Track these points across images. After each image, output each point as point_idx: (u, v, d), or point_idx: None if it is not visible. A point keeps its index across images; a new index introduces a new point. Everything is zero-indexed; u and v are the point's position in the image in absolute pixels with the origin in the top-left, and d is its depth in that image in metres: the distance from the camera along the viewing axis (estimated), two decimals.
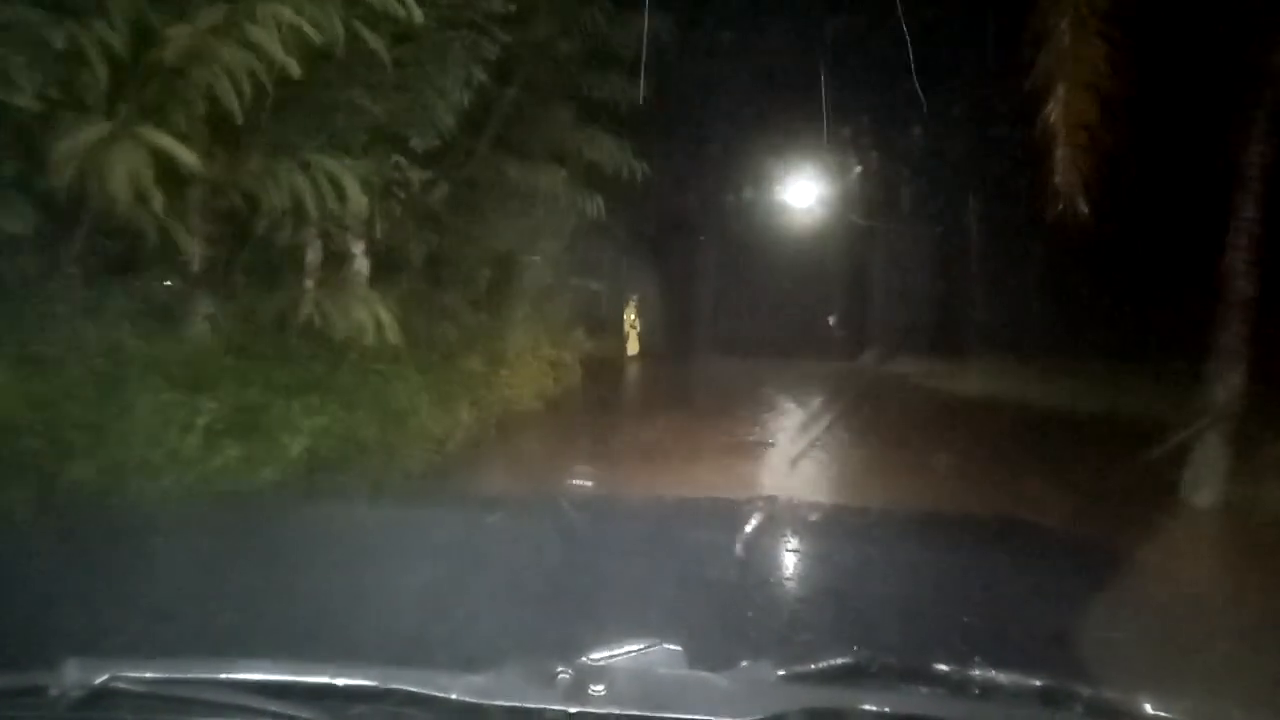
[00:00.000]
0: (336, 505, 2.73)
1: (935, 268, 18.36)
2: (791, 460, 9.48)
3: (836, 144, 17.39)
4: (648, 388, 18.03)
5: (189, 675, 1.08)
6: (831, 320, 20.98)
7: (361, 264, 8.31)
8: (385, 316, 6.65)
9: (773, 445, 10.23)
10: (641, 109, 12.58)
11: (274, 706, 1.02)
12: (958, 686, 1.11)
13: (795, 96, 14.84)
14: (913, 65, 16.25)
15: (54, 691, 1.04)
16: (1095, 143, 7.89)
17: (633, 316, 20.63)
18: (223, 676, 1.07)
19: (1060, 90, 7.99)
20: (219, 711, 1.04)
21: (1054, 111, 8.04)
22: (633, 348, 20.47)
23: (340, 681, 1.06)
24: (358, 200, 6.14)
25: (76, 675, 1.05)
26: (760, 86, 16.66)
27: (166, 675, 1.08)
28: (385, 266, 9.07)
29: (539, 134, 10.68)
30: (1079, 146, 7.93)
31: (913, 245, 18.57)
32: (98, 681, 1.04)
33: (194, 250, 6.82)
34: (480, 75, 8.10)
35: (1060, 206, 8.02)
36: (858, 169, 18.70)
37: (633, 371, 19.45)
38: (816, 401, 13.06)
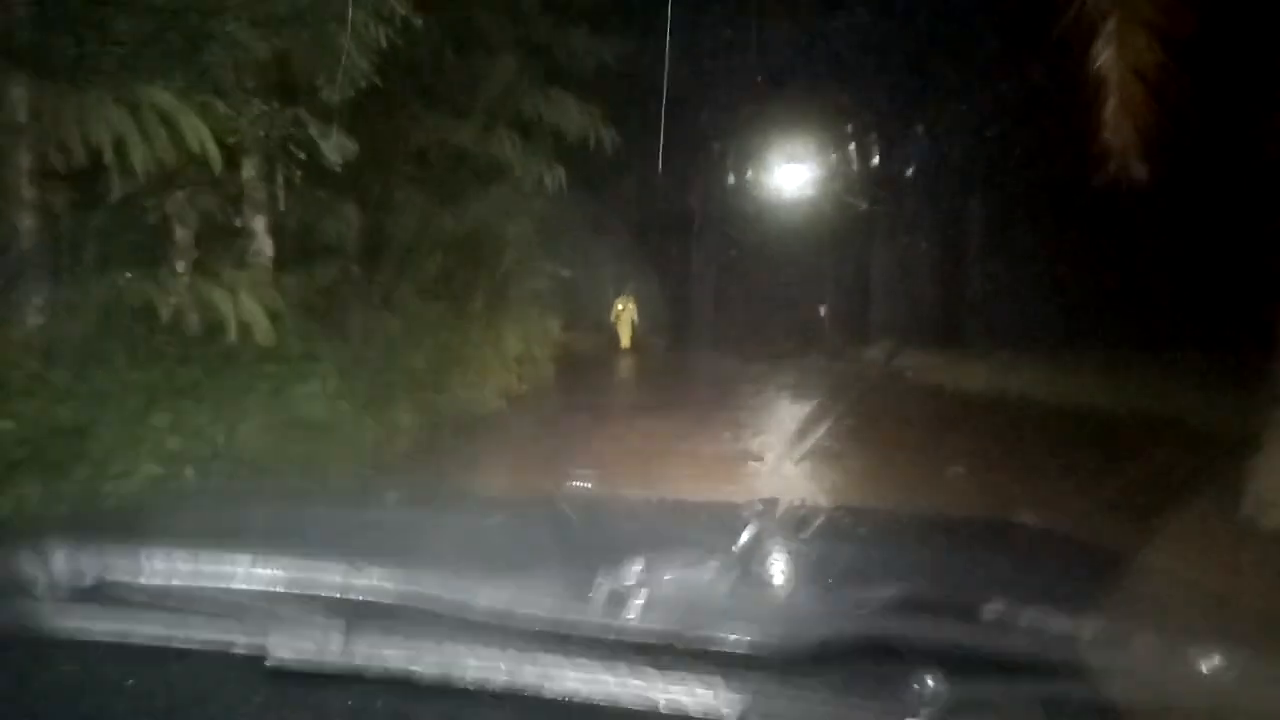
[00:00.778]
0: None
1: (947, 252, 16.70)
2: (797, 477, 7.82)
3: (839, 118, 15.70)
4: (630, 386, 16.21)
5: (186, 569, 1.01)
6: (822, 310, 19.19)
7: (263, 243, 6.57)
8: (253, 307, 4.94)
9: (770, 461, 8.43)
10: (627, 78, 10.94)
11: (280, 608, 0.96)
12: (1003, 626, 1.07)
13: (793, 62, 13.13)
14: (918, 25, 14.63)
15: (43, 584, 1.00)
16: (1158, 92, 6.19)
17: (621, 307, 18.82)
18: (224, 569, 1.00)
19: (1113, 29, 6.28)
20: (217, 610, 0.98)
21: (1105, 55, 6.32)
22: (625, 341, 18.62)
23: (355, 581, 0.98)
24: (207, 149, 4.42)
25: (67, 568, 1.01)
26: (755, 53, 14.92)
27: (163, 567, 1.02)
28: (301, 247, 7.34)
29: (492, 94, 8.85)
30: (1135, 97, 6.23)
31: (921, 228, 16.96)
32: (90, 578, 1.00)
33: (20, 221, 5.11)
34: (403, 11, 6.34)
35: (1111, 169, 6.31)
36: (861, 145, 16.98)
37: (617, 368, 17.56)
38: (823, 404, 11.33)
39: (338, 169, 6.23)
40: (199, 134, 4.37)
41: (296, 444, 6.41)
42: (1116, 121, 6.26)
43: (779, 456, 8.39)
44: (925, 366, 14.86)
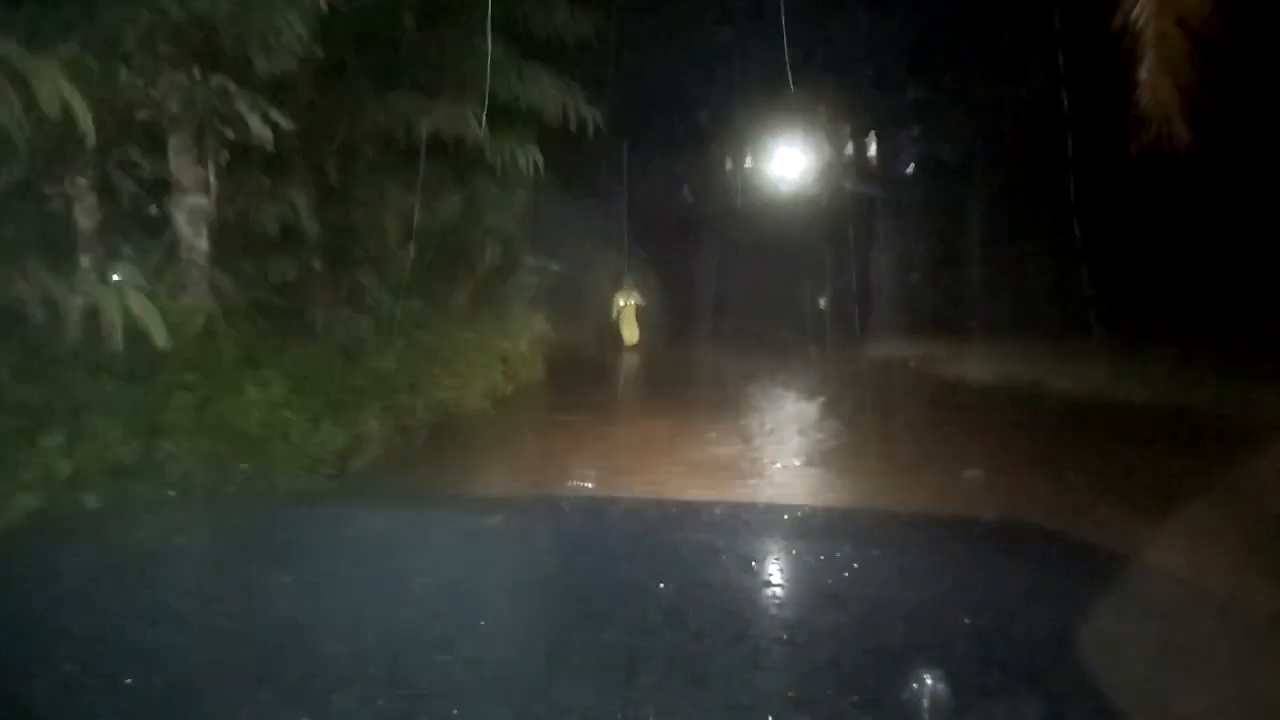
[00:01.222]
0: None
1: (951, 245, 15.75)
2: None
3: (841, 98, 14.70)
4: (625, 384, 15.23)
5: None
6: (823, 303, 18.14)
7: (197, 235, 5.63)
8: (146, 308, 4.01)
9: (781, 466, 7.42)
10: (620, 64, 10.04)
11: None
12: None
13: (789, 43, 12.09)
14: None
15: None
16: (1202, 47, 5.21)
17: (624, 303, 17.72)
18: None
19: None
20: None
21: (1142, 9, 5.35)
22: (630, 337, 17.48)
23: None
24: (76, 116, 3.48)
25: None
26: (750, 37, 13.92)
27: None
28: (248, 240, 6.41)
29: (462, 72, 7.82)
30: (1177, 53, 5.26)
31: (924, 219, 15.99)
32: None
33: None
34: None
35: (1150, 135, 5.34)
36: (864, 128, 15.97)
37: (614, 366, 16.51)
38: (836, 403, 10.35)
39: (272, 149, 5.29)
40: (61, 97, 3.44)
41: (235, 458, 5.52)
42: (1156, 81, 5.31)
43: (790, 465, 7.40)
44: (927, 358, 13.97)
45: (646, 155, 16.65)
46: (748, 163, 17.35)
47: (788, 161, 17.05)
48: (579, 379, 13.08)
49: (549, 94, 8.17)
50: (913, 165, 17.13)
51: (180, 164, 5.34)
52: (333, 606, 1.27)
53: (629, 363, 16.79)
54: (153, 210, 5.14)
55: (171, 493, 4.99)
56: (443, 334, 9.28)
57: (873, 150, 16.76)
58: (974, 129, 15.19)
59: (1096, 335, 11.89)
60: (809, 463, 7.35)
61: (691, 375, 13.80)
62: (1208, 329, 10.11)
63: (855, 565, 1.64)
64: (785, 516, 2.15)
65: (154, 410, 4.86)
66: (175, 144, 5.27)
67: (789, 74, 13.66)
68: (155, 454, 4.83)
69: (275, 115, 5.25)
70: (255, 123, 5.03)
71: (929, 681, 0.98)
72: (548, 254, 12.50)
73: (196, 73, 5.03)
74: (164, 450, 4.89)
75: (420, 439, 8.18)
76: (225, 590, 1.40)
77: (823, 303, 18.21)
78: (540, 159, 8.37)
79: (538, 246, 11.98)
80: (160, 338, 4.23)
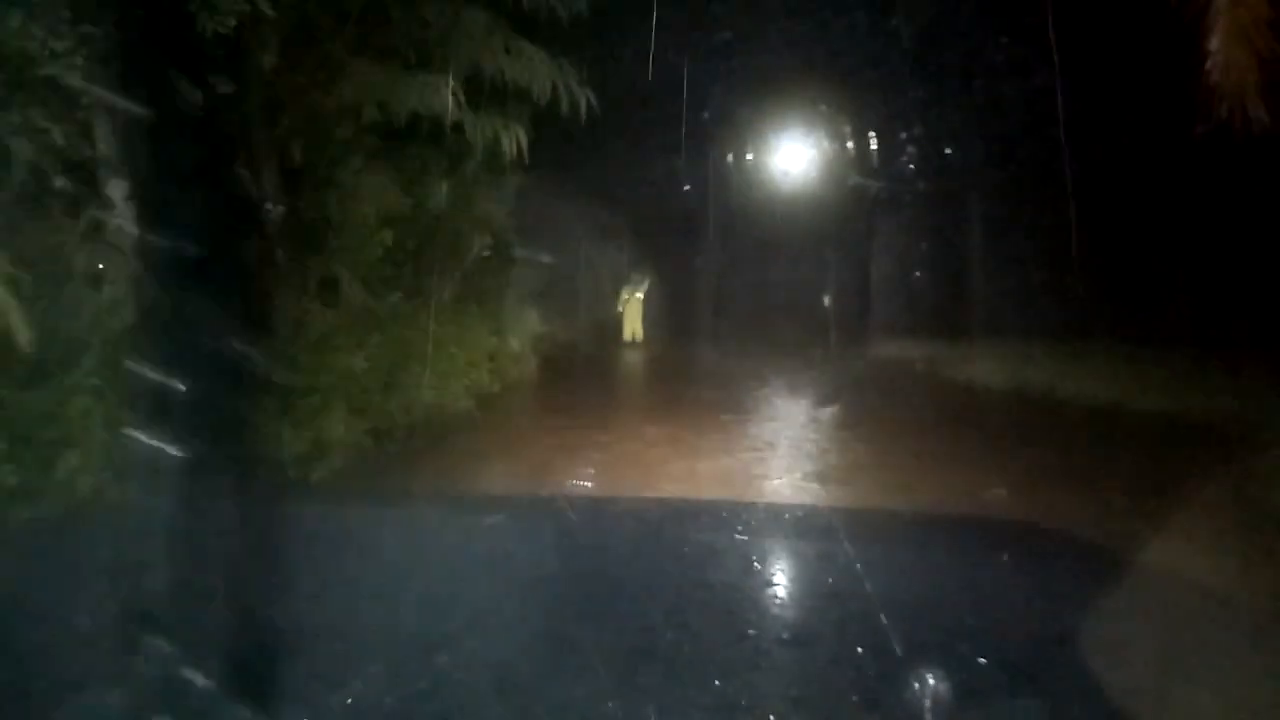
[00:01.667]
0: None
1: (956, 244, 14.93)
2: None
3: (842, 92, 13.85)
4: (619, 383, 14.36)
5: None
6: (826, 300, 17.29)
7: (123, 214, 4.81)
8: (4, 298, 3.19)
9: (799, 487, 6.52)
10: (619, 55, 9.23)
11: None
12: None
13: (795, 24, 11.30)
14: None
15: None
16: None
17: (627, 297, 16.85)
18: None
19: None
20: None
21: None
22: (632, 332, 16.58)
23: None
24: None
25: None
26: (756, 30, 13.08)
27: None
28: (193, 224, 5.57)
29: (442, 45, 6.92)
30: (1256, 19, 4.41)
31: (930, 217, 15.15)
32: None
33: None
34: None
35: (1221, 113, 4.50)
36: (863, 122, 15.12)
37: (612, 363, 15.60)
38: (849, 411, 9.49)
39: (205, 116, 4.45)
40: None
41: None
42: (1229, 56, 4.46)
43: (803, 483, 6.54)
44: (934, 359, 13.16)
45: (648, 148, 15.82)
46: (750, 157, 16.50)
47: (792, 157, 16.19)
48: (574, 378, 12.24)
49: (539, 71, 7.31)
50: (917, 163, 16.29)
51: (99, 131, 4.52)
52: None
53: (629, 360, 15.95)
54: (59, 184, 4.31)
55: (87, 512, 4.21)
56: (424, 330, 8.45)
57: (875, 146, 15.89)
58: (980, 127, 14.39)
59: (1100, 337, 11.22)
60: (829, 483, 6.46)
61: (693, 375, 12.97)
62: (1216, 331, 9.46)
63: (856, 565, 1.60)
64: (786, 516, 2.07)
65: (54, 420, 4.05)
66: (92, 107, 4.44)
67: (795, 67, 12.84)
68: (55, 469, 4.03)
69: (212, 78, 4.42)
70: (183, 85, 4.20)
71: (929, 681, 0.95)
72: (543, 247, 11.68)
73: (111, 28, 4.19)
74: (68, 464, 4.09)
75: (393, 444, 7.38)
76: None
77: (826, 300, 17.40)
78: (524, 138, 7.50)
79: (532, 239, 11.15)
80: (23, 336, 3.40)
